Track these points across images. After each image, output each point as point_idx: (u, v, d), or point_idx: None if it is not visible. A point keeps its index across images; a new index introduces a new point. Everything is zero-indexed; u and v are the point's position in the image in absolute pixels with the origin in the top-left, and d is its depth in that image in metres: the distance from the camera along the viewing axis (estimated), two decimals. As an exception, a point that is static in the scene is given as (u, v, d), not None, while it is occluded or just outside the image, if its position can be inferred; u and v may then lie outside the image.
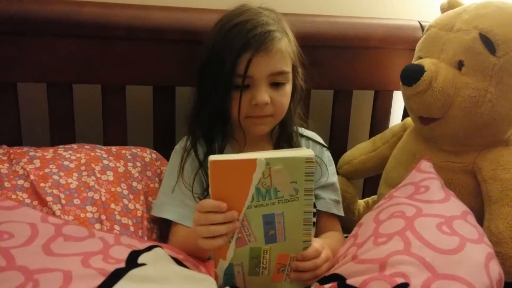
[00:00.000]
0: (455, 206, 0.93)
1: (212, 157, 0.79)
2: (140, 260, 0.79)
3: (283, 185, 0.81)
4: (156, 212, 1.08)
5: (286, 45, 1.04)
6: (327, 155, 1.19)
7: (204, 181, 1.07)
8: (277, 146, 1.14)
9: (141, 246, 0.84)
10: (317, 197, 1.14)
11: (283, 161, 0.80)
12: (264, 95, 1.01)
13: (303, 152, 0.82)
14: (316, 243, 0.90)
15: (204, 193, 1.06)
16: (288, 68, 1.05)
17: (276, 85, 1.03)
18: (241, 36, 0.99)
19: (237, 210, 0.81)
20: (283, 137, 1.14)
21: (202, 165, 1.07)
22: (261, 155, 0.80)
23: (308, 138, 1.19)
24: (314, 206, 1.12)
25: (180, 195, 1.06)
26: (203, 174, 1.07)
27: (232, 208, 0.81)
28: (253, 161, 0.79)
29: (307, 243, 0.88)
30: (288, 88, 1.07)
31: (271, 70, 1.01)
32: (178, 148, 1.12)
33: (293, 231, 0.85)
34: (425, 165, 1.03)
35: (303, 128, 1.20)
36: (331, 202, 1.15)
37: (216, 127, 1.10)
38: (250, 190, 0.80)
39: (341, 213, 1.17)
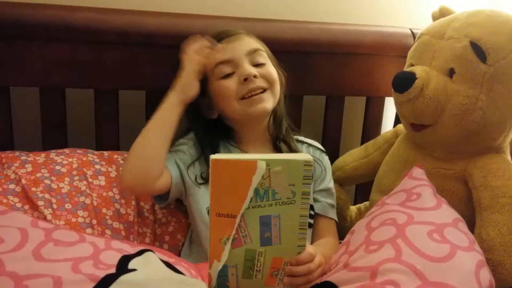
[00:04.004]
0: (447, 214, 0.93)
1: (214, 156, 0.81)
2: (131, 265, 0.78)
3: (281, 187, 0.82)
4: None
5: (253, 38, 1.13)
6: (326, 160, 1.22)
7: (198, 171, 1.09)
8: (276, 147, 1.15)
9: (132, 250, 0.84)
10: (315, 200, 1.16)
11: (282, 163, 0.82)
12: (249, 67, 1.07)
13: (302, 156, 0.84)
14: (310, 247, 0.90)
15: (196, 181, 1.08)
16: (263, 48, 1.12)
17: (257, 65, 1.09)
18: (214, 36, 1.11)
19: (235, 210, 0.82)
20: (280, 133, 1.16)
21: (199, 158, 1.10)
22: (261, 157, 0.81)
23: (309, 145, 1.22)
24: (312, 209, 1.14)
25: (175, 156, 1.09)
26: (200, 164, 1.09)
27: (231, 208, 0.82)
28: (254, 163, 0.80)
29: (301, 248, 0.88)
30: (271, 66, 1.11)
31: (246, 48, 1.08)
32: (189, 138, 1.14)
33: (289, 234, 0.86)
34: (417, 172, 1.03)
35: (302, 137, 1.23)
36: (328, 206, 1.17)
37: (215, 131, 1.14)
38: (249, 191, 0.81)
39: (335, 217, 1.18)
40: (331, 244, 1.10)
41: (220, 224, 0.84)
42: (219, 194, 0.82)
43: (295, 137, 1.22)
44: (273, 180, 0.82)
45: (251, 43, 1.10)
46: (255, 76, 1.05)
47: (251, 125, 1.13)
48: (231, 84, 1.06)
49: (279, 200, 0.83)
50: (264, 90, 1.08)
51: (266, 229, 0.85)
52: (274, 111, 1.16)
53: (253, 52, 1.09)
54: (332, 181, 1.22)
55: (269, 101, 1.09)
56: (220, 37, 1.10)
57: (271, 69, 1.10)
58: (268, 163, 0.81)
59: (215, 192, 0.82)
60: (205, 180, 1.07)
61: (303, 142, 1.22)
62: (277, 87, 1.11)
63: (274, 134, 1.17)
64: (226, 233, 0.84)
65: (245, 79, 1.05)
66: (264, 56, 1.11)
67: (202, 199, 1.06)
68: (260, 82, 1.07)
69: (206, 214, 1.05)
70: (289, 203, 0.84)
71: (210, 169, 0.80)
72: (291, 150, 1.16)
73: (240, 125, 1.14)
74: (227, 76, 1.07)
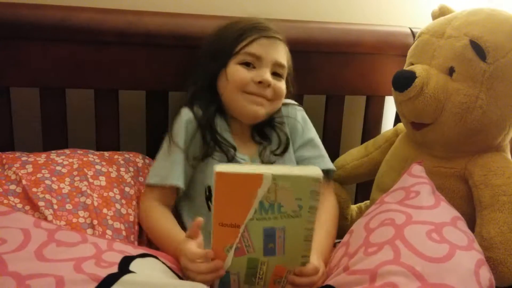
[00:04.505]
0: (445, 212, 0.93)
1: (218, 168, 0.78)
2: (133, 266, 0.78)
3: (287, 201, 0.81)
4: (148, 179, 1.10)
5: (286, 49, 1.15)
6: (300, 115, 1.22)
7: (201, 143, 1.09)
8: (258, 130, 1.16)
9: (134, 252, 0.84)
10: (303, 159, 1.17)
11: (290, 179, 0.79)
12: (269, 75, 1.08)
13: (311, 171, 0.81)
14: (315, 260, 0.90)
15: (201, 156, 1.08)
16: (287, 66, 1.14)
17: (276, 75, 1.11)
18: (251, 24, 1.11)
19: (239, 221, 0.81)
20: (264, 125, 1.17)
21: (201, 126, 1.10)
22: (268, 170, 0.79)
23: (284, 104, 1.20)
24: None
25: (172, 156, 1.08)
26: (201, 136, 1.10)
27: (234, 219, 0.81)
28: (260, 176, 0.78)
29: (305, 258, 0.87)
30: (284, 84, 1.13)
31: (276, 58, 1.10)
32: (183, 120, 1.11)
33: (293, 246, 0.85)
34: (416, 169, 1.03)
35: None
36: (315, 158, 1.17)
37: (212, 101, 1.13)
38: (254, 204, 0.80)
39: (328, 166, 1.18)
40: (330, 219, 1.12)
41: (223, 233, 0.82)
42: (223, 205, 0.81)
43: None
44: (279, 194, 0.80)
45: (283, 57, 1.12)
46: (268, 85, 1.07)
47: (241, 119, 1.14)
48: (246, 75, 1.07)
49: (285, 213, 0.82)
50: (267, 100, 1.10)
51: (270, 240, 0.84)
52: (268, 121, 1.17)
53: (279, 65, 1.11)
54: (312, 131, 1.22)
55: (265, 110, 1.10)
56: (263, 32, 1.10)
57: (283, 86, 1.12)
58: (275, 178, 0.79)
59: (219, 203, 0.81)
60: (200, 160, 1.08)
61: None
62: (279, 104, 1.14)
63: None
64: (229, 241, 0.83)
65: (260, 82, 1.07)
66: (284, 73, 1.13)
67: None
68: (269, 92, 1.09)
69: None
70: (295, 216, 0.82)
71: (214, 181, 0.79)
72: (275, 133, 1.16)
73: (232, 113, 1.14)
74: (246, 65, 1.08)
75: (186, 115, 1.11)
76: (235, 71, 1.08)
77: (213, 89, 1.13)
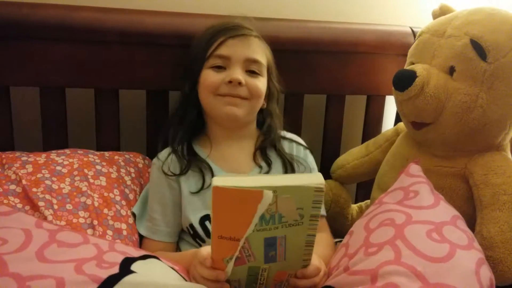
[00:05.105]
0: (445, 211, 0.93)
1: (216, 182, 0.74)
2: (134, 267, 0.78)
3: (288, 212, 0.78)
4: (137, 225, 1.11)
5: (261, 43, 1.12)
6: (311, 160, 1.19)
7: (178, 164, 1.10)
8: (261, 149, 1.14)
9: (135, 253, 0.84)
10: None
11: (291, 190, 0.77)
12: (238, 72, 1.05)
13: (313, 179, 0.78)
14: (316, 261, 0.89)
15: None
16: (263, 61, 1.10)
17: (251, 72, 1.07)
18: (219, 26, 1.09)
19: (239, 235, 0.78)
20: (268, 141, 1.14)
21: (176, 151, 1.11)
22: (268, 182, 0.77)
23: (291, 140, 1.19)
24: None
25: (149, 210, 1.10)
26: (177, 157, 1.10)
27: (234, 232, 0.79)
28: (260, 192, 0.75)
29: (306, 262, 0.87)
30: (263, 80, 1.10)
31: (247, 54, 1.07)
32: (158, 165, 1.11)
33: (294, 251, 0.84)
34: (414, 168, 1.03)
35: (284, 131, 1.20)
36: None
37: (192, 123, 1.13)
38: (254, 218, 0.77)
39: (324, 212, 1.18)
40: (326, 241, 1.09)
41: (222, 245, 0.80)
42: (222, 219, 0.78)
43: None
44: (280, 205, 0.77)
45: (255, 51, 1.08)
46: (240, 83, 1.04)
47: (223, 125, 1.12)
48: (216, 78, 1.05)
49: (286, 223, 0.80)
50: (243, 99, 1.07)
51: (271, 249, 0.82)
52: (266, 125, 1.15)
53: (252, 61, 1.07)
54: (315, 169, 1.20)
55: (242, 110, 1.07)
56: (230, 32, 1.08)
57: (260, 83, 1.08)
58: (276, 190, 0.75)
59: (217, 217, 0.78)
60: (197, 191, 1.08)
61: (284, 138, 1.18)
62: (258, 102, 1.10)
63: (259, 142, 1.15)
64: (229, 253, 0.81)
65: (230, 82, 1.04)
66: (261, 69, 1.09)
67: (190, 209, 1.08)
68: (242, 91, 1.06)
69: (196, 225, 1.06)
70: (296, 225, 0.80)
71: (212, 196, 0.75)
72: (276, 150, 1.14)
73: (214, 121, 1.12)
74: (217, 68, 1.07)
75: (155, 164, 1.11)
76: (205, 76, 1.07)
77: (196, 99, 1.12)
